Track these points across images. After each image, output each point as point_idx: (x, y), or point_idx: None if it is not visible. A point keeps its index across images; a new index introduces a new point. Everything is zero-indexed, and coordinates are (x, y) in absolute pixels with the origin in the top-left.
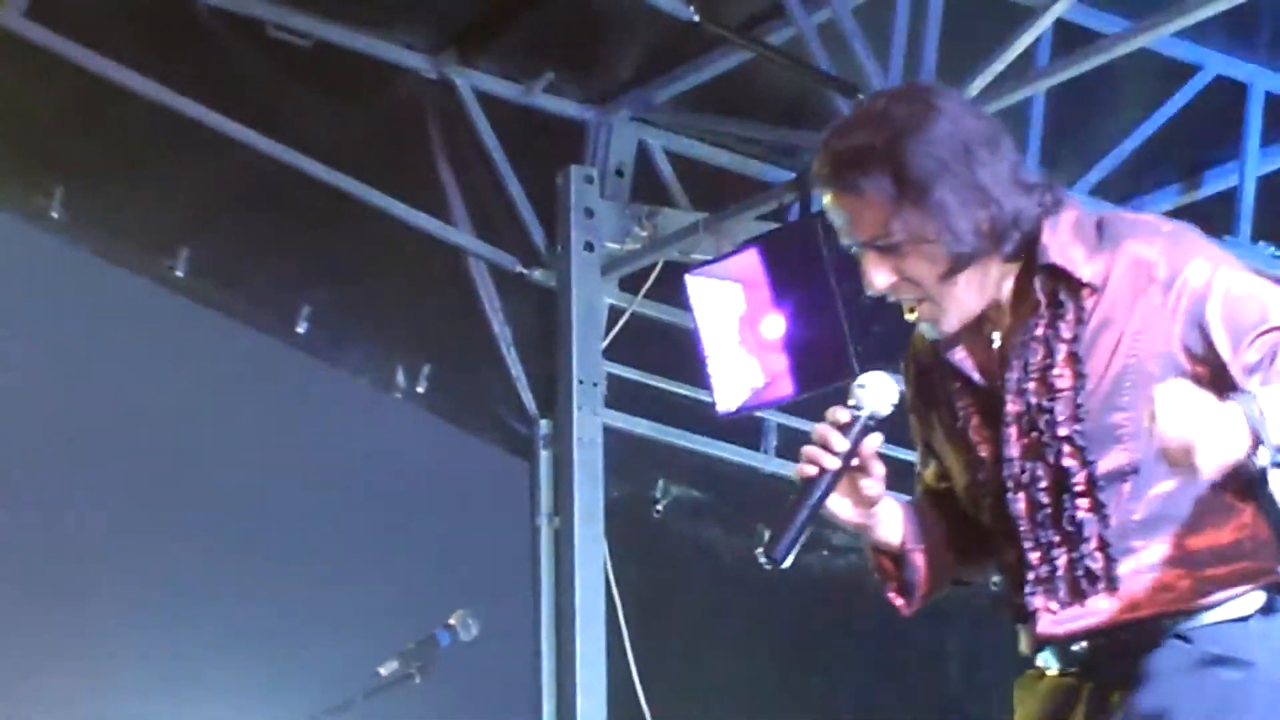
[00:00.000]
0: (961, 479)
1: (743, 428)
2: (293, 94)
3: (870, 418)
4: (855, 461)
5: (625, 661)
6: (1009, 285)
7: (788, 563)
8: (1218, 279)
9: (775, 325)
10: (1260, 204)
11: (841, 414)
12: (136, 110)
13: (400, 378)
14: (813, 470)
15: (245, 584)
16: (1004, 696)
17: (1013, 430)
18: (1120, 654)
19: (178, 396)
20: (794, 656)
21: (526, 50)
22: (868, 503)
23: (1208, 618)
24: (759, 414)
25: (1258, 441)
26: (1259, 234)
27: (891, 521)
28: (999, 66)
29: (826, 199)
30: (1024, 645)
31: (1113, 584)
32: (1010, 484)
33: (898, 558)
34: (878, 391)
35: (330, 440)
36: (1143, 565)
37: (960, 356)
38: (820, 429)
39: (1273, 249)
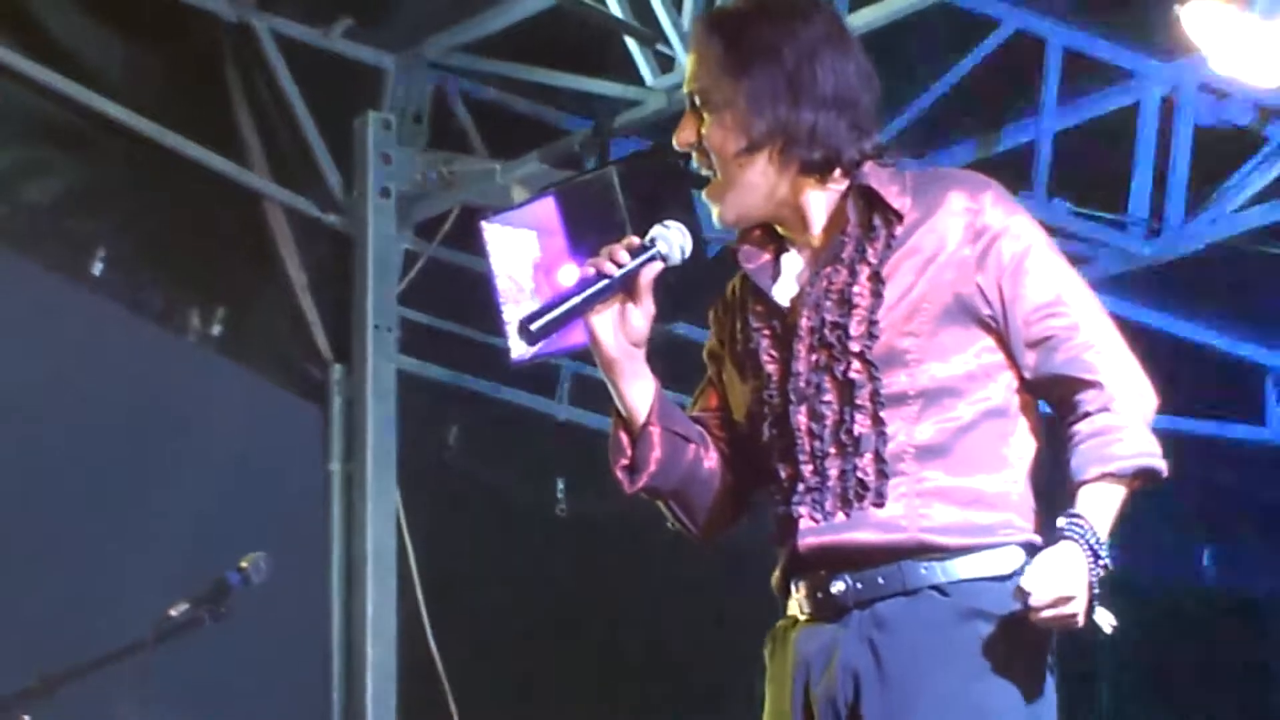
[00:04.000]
0: (745, 401)
1: (537, 375)
2: (88, 32)
3: (660, 254)
4: (632, 287)
5: (416, 606)
6: (819, 208)
7: (535, 327)
8: (1028, 247)
9: (570, 273)
10: (1057, 160)
11: (635, 240)
12: None
13: (195, 320)
14: (591, 271)
15: (35, 525)
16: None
17: (803, 345)
18: (877, 600)
19: None
20: (582, 601)
21: None
22: (630, 337)
23: (966, 570)
24: (553, 361)
25: (1097, 557)
26: (1055, 190)
27: (644, 387)
28: None
29: None
30: (777, 578)
31: (880, 498)
32: (794, 396)
33: (636, 433)
34: (675, 236)
35: (124, 382)
36: (912, 490)
37: (763, 277)
38: (610, 246)
39: (1069, 205)
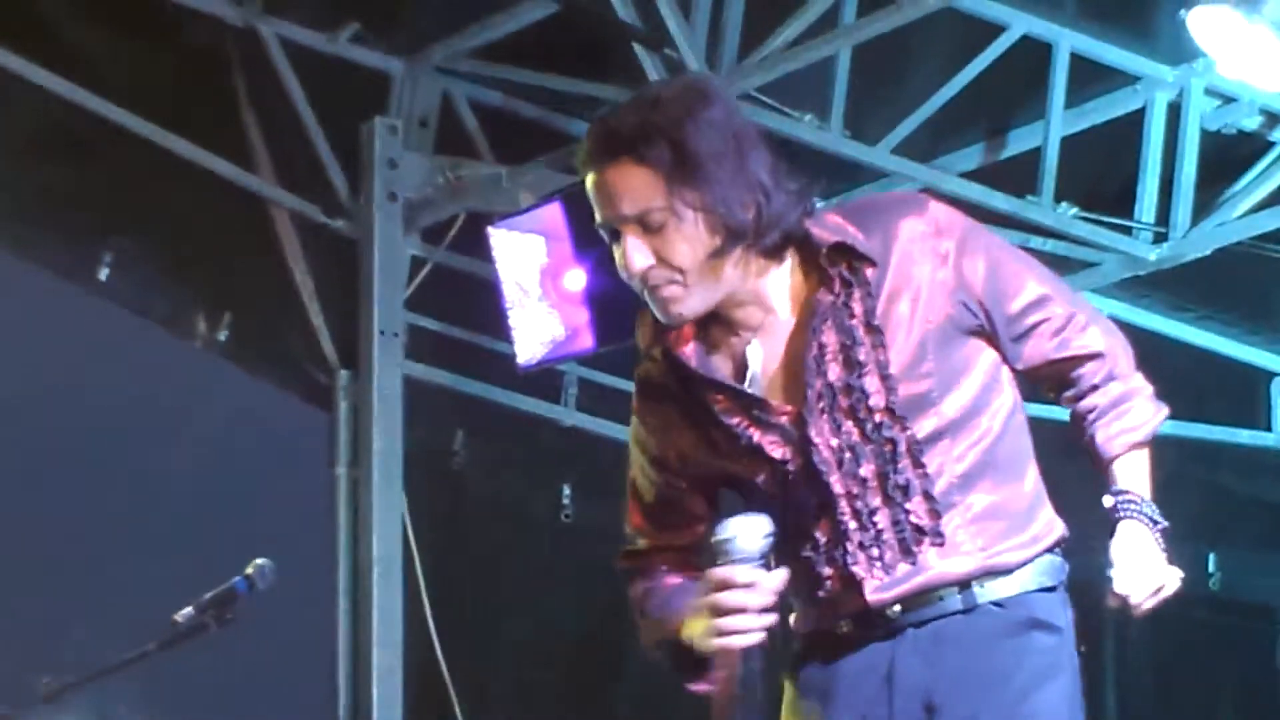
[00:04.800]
0: (760, 485)
1: (543, 380)
2: (94, 38)
3: (753, 557)
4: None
5: (422, 612)
6: (779, 283)
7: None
8: (986, 251)
9: (577, 279)
10: (1063, 164)
11: (740, 574)
12: None
13: (201, 325)
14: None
15: (39, 529)
16: None
17: (814, 414)
18: (936, 618)
19: None
20: (589, 608)
21: (333, 0)
22: None
23: (1020, 584)
24: (559, 367)
25: (1155, 524)
26: (1062, 195)
27: None
28: (804, 22)
29: (594, 177)
30: (816, 622)
31: (939, 537)
32: (823, 466)
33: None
34: (748, 530)
35: (130, 387)
36: (966, 519)
37: (719, 372)
38: (717, 599)
39: (1075, 210)
